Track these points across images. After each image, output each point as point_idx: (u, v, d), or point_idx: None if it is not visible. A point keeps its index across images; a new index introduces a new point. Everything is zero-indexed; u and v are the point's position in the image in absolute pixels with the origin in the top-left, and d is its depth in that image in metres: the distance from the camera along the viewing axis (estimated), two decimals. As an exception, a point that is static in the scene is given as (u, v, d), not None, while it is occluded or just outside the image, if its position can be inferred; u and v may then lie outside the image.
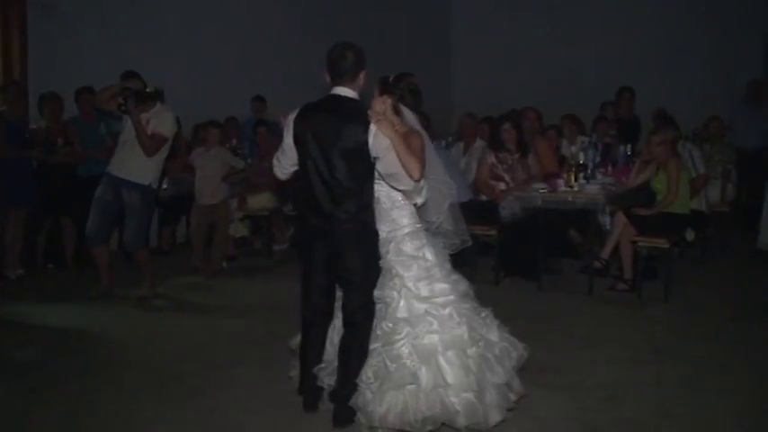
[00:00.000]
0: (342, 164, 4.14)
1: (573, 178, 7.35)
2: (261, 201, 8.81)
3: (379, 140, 4.07)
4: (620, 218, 7.22)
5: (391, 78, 4.43)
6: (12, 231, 7.77)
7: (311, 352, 4.50)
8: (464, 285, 4.36)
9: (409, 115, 4.39)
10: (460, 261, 7.55)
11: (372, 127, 4.07)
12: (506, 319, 6.27)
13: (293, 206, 8.88)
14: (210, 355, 5.64)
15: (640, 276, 7.14)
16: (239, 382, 5.07)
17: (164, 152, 6.96)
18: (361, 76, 4.27)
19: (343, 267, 4.28)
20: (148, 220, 7.19)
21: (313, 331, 4.50)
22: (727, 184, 9.19)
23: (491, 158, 7.87)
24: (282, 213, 9.09)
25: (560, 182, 7.43)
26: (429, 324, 4.12)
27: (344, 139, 4.12)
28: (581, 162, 7.49)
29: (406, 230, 4.28)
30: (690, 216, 7.40)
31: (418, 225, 4.34)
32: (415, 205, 4.34)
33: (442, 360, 4.09)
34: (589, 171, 7.61)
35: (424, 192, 4.23)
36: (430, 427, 4.07)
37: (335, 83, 4.26)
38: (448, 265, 4.36)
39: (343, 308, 4.35)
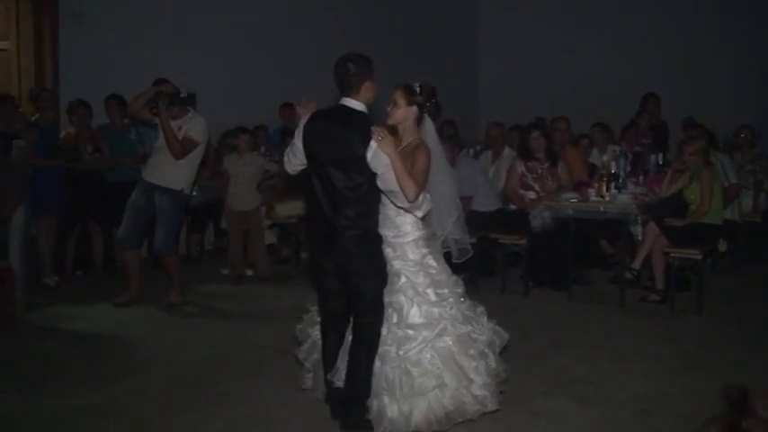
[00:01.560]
0: (340, 173, 4.20)
1: (604, 188, 7.26)
2: (289, 208, 8.79)
3: (379, 158, 4.10)
4: (652, 228, 7.12)
5: (417, 88, 4.41)
6: (45, 239, 7.80)
7: (329, 357, 4.52)
8: (461, 286, 4.50)
9: (430, 127, 4.46)
10: (488, 271, 7.58)
11: (373, 143, 4.10)
12: (536, 329, 6.32)
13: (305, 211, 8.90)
14: (238, 363, 5.63)
15: (672, 287, 7.03)
16: (267, 390, 5.06)
17: (197, 157, 7.02)
18: (366, 86, 4.28)
19: (349, 272, 4.31)
20: (178, 226, 7.20)
21: (329, 336, 4.53)
22: (760, 194, 9.06)
23: (520, 167, 7.82)
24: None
25: (591, 191, 7.35)
26: (443, 328, 4.27)
27: (343, 150, 4.19)
28: (612, 171, 7.40)
29: (410, 237, 4.36)
30: (722, 226, 7.30)
31: (421, 232, 4.41)
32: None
33: (460, 359, 4.27)
34: (620, 180, 7.51)
35: (424, 207, 4.25)
36: (455, 422, 4.28)
37: (342, 94, 4.33)
38: (447, 268, 4.50)
39: (353, 311, 4.39)
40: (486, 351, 4.42)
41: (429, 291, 4.33)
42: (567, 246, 7.32)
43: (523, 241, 7.51)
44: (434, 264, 4.41)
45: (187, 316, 6.94)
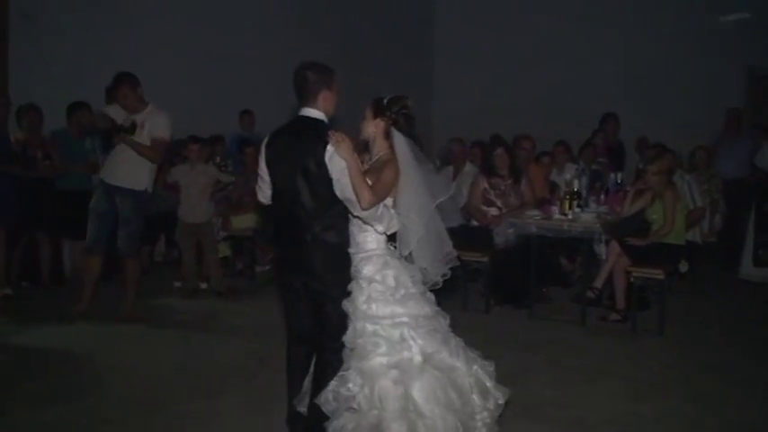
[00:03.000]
0: (304, 185, 4.06)
1: (567, 206, 7.23)
2: (244, 221, 8.60)
3: (335, 163, 3.97)
4: (615, 247, 7.10)
5: (385, 101, 4.26)
6: (-4, 249, 7.49)
7: (293, 379, 4.34)
8: (427, 310, 4.10)
9: (400, 141, 4.19)
10: (450, 288, 7.43)
11: (330, 148, 3.97)
12: (498, 348, 6.20)
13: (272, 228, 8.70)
14: (196, 382, 5.42)
15: (634, 307, 7.01)
16: (227, 411, 4.87)
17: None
18: (324, 95, 4.16)
19: (315, 291, 4.15)
20: (141, 227, 6.98)
21: (295, 358, 4.35)
22: (716, 215, 9.12)
23: (483, 183, 7.75)
24: (265, 234, 8.88)
25: (554, 209, 7.31)
26: (376, 345, 3.99)
27: (304, 160, 4.05)
28: (575, 189, 7.37)
29: (370, 254, 4.13)
30: (685, 247, 7.31)
31: (385, 251, 4.15)
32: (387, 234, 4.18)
33: (384, 383, 3.95)
34: (583, 199, 7.49)
35: (386, 221, 4.05)
36: None
37: (301, 104, 4.19)
38: (415, 291, 4.12)
39: (319, 333, 4.21)
40: (450, 389, 4.06)
41: (373, 305, 4.02)
42: (529, 263, 7.26)
43: (485, 258, 7.42)
44: (390, 282, 4.09)
45: (140, 331, 6.68)
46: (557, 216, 7.25)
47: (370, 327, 4.00)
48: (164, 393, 5.17)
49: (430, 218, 4.11)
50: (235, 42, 10.33)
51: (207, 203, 8.06)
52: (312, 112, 4.15)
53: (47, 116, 7.95)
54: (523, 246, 7.30)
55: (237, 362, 5.82)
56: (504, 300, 7.64)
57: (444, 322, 4.17)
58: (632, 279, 6.98)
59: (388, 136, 4.17)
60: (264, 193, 4.34)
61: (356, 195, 3.92)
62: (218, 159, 8.94)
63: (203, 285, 8.15)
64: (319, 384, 4.11)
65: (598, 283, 7.25)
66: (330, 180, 3.99)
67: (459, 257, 7.30)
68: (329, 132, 3.99)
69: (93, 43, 8.59)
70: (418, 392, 3.92)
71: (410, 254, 4.12)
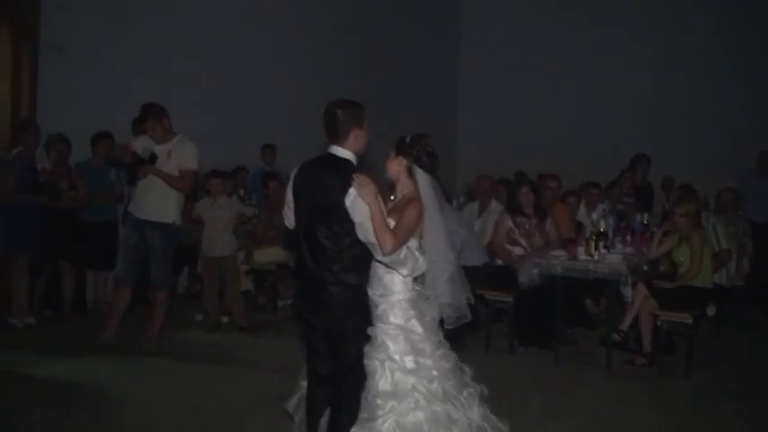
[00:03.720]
0: (322, 224, 4.05)
1: (593, 246, 7.14)
2: (268, 255, 8.56)
3: (358, 206, 3.94)
4: (641, 290, 6.99)
5: (408, 139, 4.23)
6: (18, 278, 7.47)
7: (312, 418, 4.27)
8: (451, 361, 4.13)
9: (423, 179, 4.19)
10: (473, 328, 7.35)
11: (352, 191, 3.94)
12: (521, 391, 6.11)
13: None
14: (215, 420, 5.36)
15: (661, 351, 6.88)
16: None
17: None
18: (354, 134, 4.14)
19: (333, 331, 4.12)
20: (172, 258, 7.02)
21: (314, 397, 4.29)
22: (744, 258, 8.98)
23: (508, 222, 7.68)
24: (288, 269, 8.84)
25: (580, 250, 7.22)
26: (415, 401, 3.95)
27: (324, 198, 4.05)
28: (601, 230, 7.28)
29: (396, 298, 4.07)
30: (712, 290, 7.19)
31: (411, 293, 4.11)
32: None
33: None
34: (609, 239, 7.40)
35: (410, 265, 4.00)
36: None
37: (331, 142, 4.18)
38: (435, 338, 4.12)
39: (336, 372, 4.16)
40: None
41: (407, 359, 4.01)
42: (554, 304, 7.17)
43: (510, 298, 7.33)
44: (419, 330, 4.07)
45: (162, 365, 6.62)
46: (582, 257, 7.17)
47: (406, 379, 3.98)
48: (180, 430, 5.10)
49: (453, 258, 4.10)
50: (256, 75, 10.39)
51: (230, 237, 8.04)
52: (340, 152, 4.13)
53: (74, 147, 7.98)
54: (548, 286, 7.21)
55: (257, 399, 5.73)
56: (529, 341, 7.51)
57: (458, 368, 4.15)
58: (659, 323, 6.87)
59: (411, 174, 4.15)
60: (290, 219, 4.34)
61: (377, 240, 3.89)
62: (241, 193, 8.94)
63: (225, 319, 8.09)
64: (336, 425, 4.06)
65: (624, 326, 7.12)
66: (350, 221, 3.96)
67: (482, 296, 7.30)
68: (354, 175, 3.96)
69: (120, 75, 8.65)
70: None
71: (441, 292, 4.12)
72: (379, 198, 3.98)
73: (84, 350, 6.78)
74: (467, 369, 4.24)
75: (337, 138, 4.13)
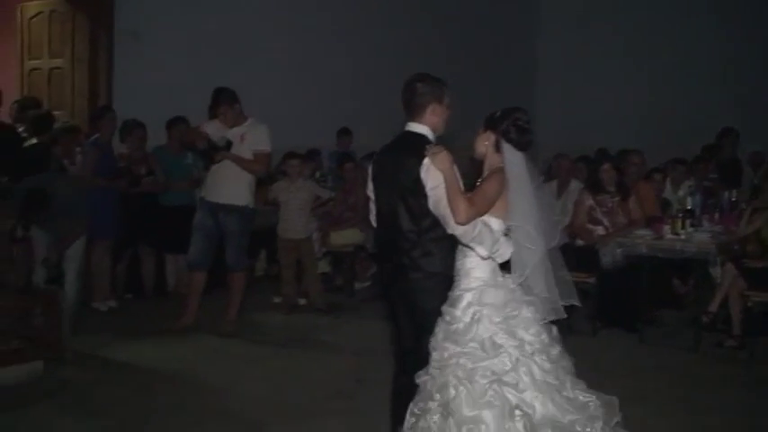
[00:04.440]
0: (402, 207, 3.89)
1: (680, 225, 6.87)
2: (344, 237, 8.51)
3: (431, 175, 3.78)
4: (730, 269, 6.69)
5: (498, 113, 4.02)
6: (99, 263, 7.58)
7: (397, 405, 4.09)
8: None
9: (512, 155, 3.88)
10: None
11: (426, 161, 3.77)
12: (605, 375, 5.89)
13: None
14: (294, 403, 5.31)
15: (751, 332, 6.59)
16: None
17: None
18: (432, 109, 3.97)
19: (413, 317, 3.99)
20: (247, 242, 7.04)
21: (400, 381, 4.13)
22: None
23: (589, 201, 7.44)
24: (365, 250, 8.78)
25: (666, 228, 6.96)
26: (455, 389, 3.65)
27: (403, 180, 3.88)
28: (688, 207, 7.00)
29: (467, 285, 3.80)
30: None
31: (492, 281, 3.80)
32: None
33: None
34: (696, 217, 7.11)
35: (488, 244, 3.72)
36: None
37: (408, 118, 4.03)
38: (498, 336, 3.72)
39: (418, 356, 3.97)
40: None
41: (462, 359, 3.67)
42: (639, 285, 6.94)
43: (592, 279, 7.12)
44: (487, 330, 3.68)
45: (239, 348, 6.64)
46: (668, 236, 6.91)
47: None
48: (260, 413, 5.09)
49: (542, 242, 3.76)
50: (334, 57, 10.33)
51: (306, 219, 8.01)
52: (417, 127, 3.98)
53: (150, 132, 8.04)
54: (632, 266, 6.98)
55: (335, 382, 5.70)
56: (613, 323, 7.28)
57: (521, 368, 3.71)
58: (749, 303, 6.57)
59: (498, 149, 3.91)
60: (373, 213, 4.21)
61: (451, 208, 3.68)
62: (317, 175, 8.91)
63: (302, 301, 8.08)
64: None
65: (713, 307, 6.84)
66: (425, 197, 3.81)
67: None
68: (428, 146, 3.81)
69: (195, 59, 8.70)
70: None
71: (526, 282, 3.79)
72: (455, 169, 3.78)
73: (164, 333, 6.83)
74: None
75: (414, 112, 3.98)
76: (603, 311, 7.25)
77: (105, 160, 7.60)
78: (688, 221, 6.95)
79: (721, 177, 9.25)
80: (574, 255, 7.22)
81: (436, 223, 3.83)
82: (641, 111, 12.60)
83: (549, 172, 9.25)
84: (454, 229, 3.72)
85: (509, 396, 3.58)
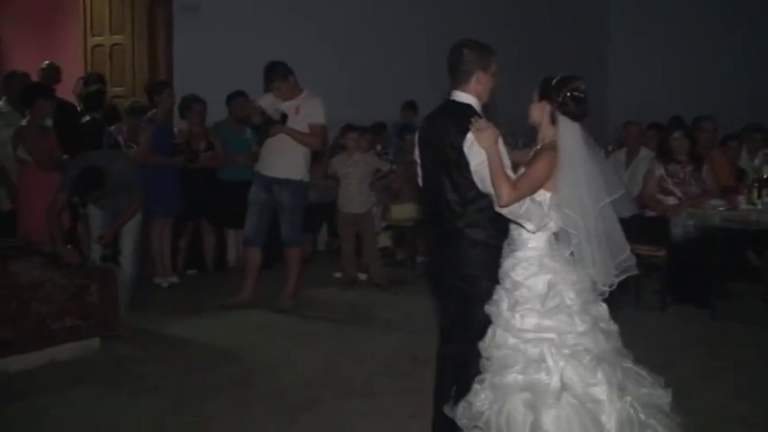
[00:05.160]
0: (445, 177, 3.75)
1: (756, 195, 6.51)
2: (405, 210, 8.35)
3: (474, 152, 3.62)
4: (810, 241, 6.34)
5: (554, 81, 3.77)
6: (159, 239, 7.58)
7: (441, 381, 3.97)
8: (585, 327, 3.51)
9: (567, 127, 3.64)
10: (622, 283, 6.87)
11: (470, 136, 3.61)
12: (675, 352, 5.65)
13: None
14: (346, 380, 5.20)
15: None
16: (375, 415, 4.61)
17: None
18: (478, 76, 3.77)
19: (460, 288, 3.82)
20: (302, 216, 6.93)
21: (444, 358, 3.99)
22: None
23: (660, 170, 7.11)
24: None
25: (740, 199, 6.61)
26: (513, 360, 3.51)
27: (444, 148, 3.74)
28: (765, 177, 6.62)
29: (524, 254, 3.64)
30: None
31: (545, 251, 3.63)
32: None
33: (514, 405, 3.45)
34: (774, 187, 6.73)
35: (536, 219, 3.56)
36: None
37: (453, 86, 3.84)
38: (572, 305, 3.54)
39: (463, 330, 3.85)
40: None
41: (516, 315, 3.54)
42: (712, 258, 6.60)
43: (662, 252, 6.81)
44: (539, 288, 3.57)
45: (296, 324, 6.56)
46: (743, 206, 6.55)
47: (511, 339, 3.55)
48: (312, 391, 4.98)
49: (598, 217, 3.53)
50: (395, 30, 10.11)
51: (366, 193, 7.87)
52: (462, 96, 3.80)
53: (210, 107, 7.97)
54: (705, 238, 6.65)
55: (390, 359, 5.56)
56: (683, 297, 6.97)
57: (604, 341, 3.56)
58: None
59: (554, 121, 3.69)
60: (419, 175, 4.07)
61: (494, 190, 3.54)
62: (378, 147, 8.76)
63: (362, 276, 7.96)
64: (458, 389, 3.75)
65: (791, 281, 6.50)
66: (468, 169, 3.65)
67: (632, 251, 6.76)
68: (472, 119, 3.62)
69: (253, 33, 8.62)
70: (550, 424, 3.38)
71: (577, 255, 3.59)
72: (501, 145, 3.62)
73: (223, 308, 6.79)
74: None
75: (459, 80, 3.80)
76: (673, 286, 6.95)
77: (163, 136, 7.56)
78: (764, 191, 6.56)
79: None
80: (643, 226, 6.96)
81: (481, 195, 3.68)
82: (715, 78, 12.08)
83: (619, 140, 8.94)
84: (499, 209, 3.59)
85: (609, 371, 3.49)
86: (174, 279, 7.69)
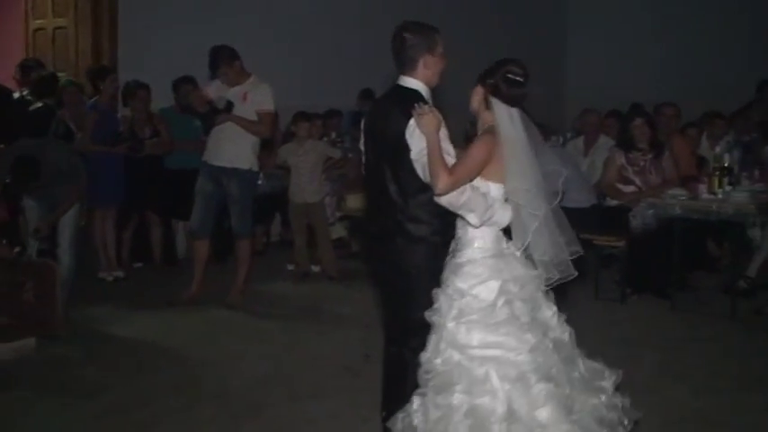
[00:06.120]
0: (387, 167, 3.53)
1: (717, 184, 6.39)
2: (360, 200, 8.07)
3: (416, 139, 3.40)
4: (772, 231, 6.24)
5: (491, 66, 3.56)
6: (102, 231, 7.30)
7: (386, 381, 3.80)
8: (535, 340, 3.29)
9: (502, 111, 3.43)
10: (580, 275, 6.73)
11: (412, 122, 3.38)
12: (635, 346, 5.51)
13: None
14: (296, 381, 4.96)
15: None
16: (324, 419, 4.40)
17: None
18: (425, 60, 3.54)
19: (398, 286, 3.64)
20: (251, 206, 6.69)
21: (389, 356, 3.79)
22: None
23: (620, 159, 6.96)
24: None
25: (702, 188, 6.48)
26: (457, 378, 3.29)
27: (387, 135, 3.52)
28: (726, 165, 6.50)
29: (468, 255, 3.42)
30: None
31: (493, 250, 3.42)
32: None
33: (459, 426, 3.23)
34: (734, 176, 6.61)
35: (480, 211, 3.33)
36: None
37: (399, 71, 3.62)
38: (520, 318, 3.33)
39: (401, 328, 3.66)
40: None
41: (461, 328, 3.31)
42: (672, 248, 6.48)
43: (621, 242, 6.67)
44: (489, 300, 3.33)
45: (245, 320, 6.30)
46: (704, 196, 6.43)
47: (456, 355, 3.32)
48: (260, 394, 4.75)
49: (544, 203, 3.35)
50: (347, 13, 9.86)
51: (318, 182, 7.62)
52: (408, 82, 3.58)
53: (155, 94, 7.66)
54: (664, 229, 6.52)
55: (342, 358, 5.34)
56: (642, 288, 6.85)
57: (554, 354, 3.33)
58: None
59: (488, 106, 3.48)
60: (364, 167, 3.86)
61: (431, 177, 3.31)
62: (333, 135, 8.52)
63: (315, 269, 7.74)
64: (397, 397, 3.57)
65: (751, 272, 6.41)
66: (410, 158, 3.43)
67: (591, 242, 6.63)
68: (415, 104, 3.39)
69: (200, 16, 8.29)
70: None
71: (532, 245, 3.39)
72: (444, 133, 3.42)
73: (170, 305, 6.52)
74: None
75: (405, 66, 3.58)
76: (633, 277, 6.81)
77: (106, 124, 7.26)
78: (726, 180, 6.46)
79: (762, 133, 8.70)
80: (603, 216, 6.84)
81: (424, 187, 3.45)
82: (675, 65, 11.99)
83: (577, 127, 8.81)
84: (438, 199, 3.36)
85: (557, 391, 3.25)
86: (120, 273, 7.40)
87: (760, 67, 10.10)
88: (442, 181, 3.27)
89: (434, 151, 3.31)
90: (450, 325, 3.33)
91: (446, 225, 3.51)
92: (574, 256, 3.45)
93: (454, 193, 3.31)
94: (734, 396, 4.71)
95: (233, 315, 6.39)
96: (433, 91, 3.67)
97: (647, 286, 6.86)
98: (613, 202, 7.02)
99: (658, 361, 5.31)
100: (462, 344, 3.30)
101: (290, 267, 7.80)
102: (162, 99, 7.81)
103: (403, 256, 3.56)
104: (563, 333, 3.46)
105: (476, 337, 3.29)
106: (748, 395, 4.72)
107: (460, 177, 3.31)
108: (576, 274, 3.44)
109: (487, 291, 3.35)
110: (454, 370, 3.30)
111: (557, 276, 3.40)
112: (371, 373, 4.73)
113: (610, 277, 6.96)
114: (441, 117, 3.40)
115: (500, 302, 3.33)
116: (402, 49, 3.56)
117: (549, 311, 3.46)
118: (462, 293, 3.36)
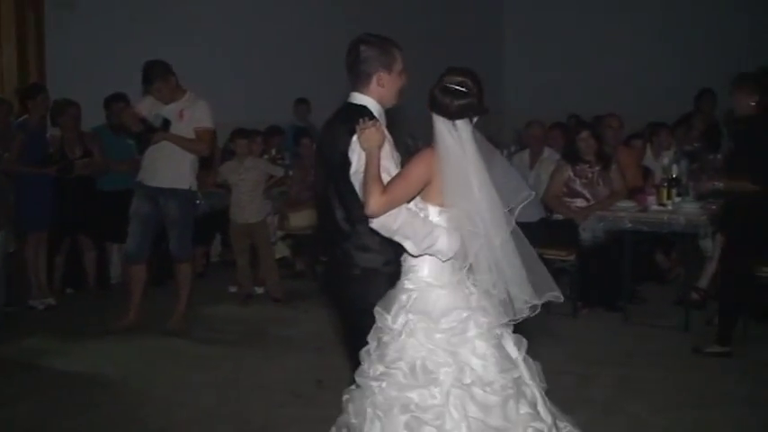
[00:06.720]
0: (333, 191, 3.28)
1: (666, 195, 6.34)
2: (303, 218, 7.86)
3: (356, 155, 3.14)
4: (723, 241, 6.18)
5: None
6: (33, 257, 6.94)
7: None
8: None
9: (440, 124, 3.06)
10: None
11: (355, 138, 3.12)
12: (593, 363, 5.39)
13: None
14: (245, 412, 4.72)
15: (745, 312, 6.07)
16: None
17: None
18: (379, 77, 3.28)
19: (347, 317, 3.44)
20: (191, 228, 6.40)
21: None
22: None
23: (567, 171, 6.87)
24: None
25: (650, 199, 6.43)
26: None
27: (334, 157, 3.25)
28: (674, 176, 6.46)
29: (415, 286, 3.08)
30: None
31: (447, 283, 3.07)
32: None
33: None
34: (682, 186, 6.59)
35: (420, 239, 2.99)
36: None
37: (352, 87, 3.36)
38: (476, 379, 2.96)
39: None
40: None
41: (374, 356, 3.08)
42: (622, 261, 6.43)
43: (571, 256, 6.58)
44: (396, 326, 3.03)
45: (188, 347, 6.01)
46: (654, 207, 6.38)
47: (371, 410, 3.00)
48: (207, 427, 4.51)
49: (501, 229, 2.98)
50: (285, 26, 9.65)
51: (260, 201, 7.37)
52: (359, 98, 3.32)
53: (86, 112, 7.33)
54: (614, 242, 6.47)
55: (292, 384, 5.10)
56: (594, 302, 6.78)
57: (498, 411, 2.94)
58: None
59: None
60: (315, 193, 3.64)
61: (364, 195, 3.02)
62: (273, 152, 8.28)
63: (259, 290, 7.49)
64: None
65: (703, 284, 6.36)
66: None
67: (541, 256, 6.45)
68: (360, 120, 3.11)
69: (133, 32, 7.98)
70: None
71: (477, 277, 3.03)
72: (387, 150, 3.12)
73: (106, 333, 6.20)
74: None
75: (358, 80, 3.31)
76: (584, 291, 6.74)
77: (35, 144, 6.91)
78: (674, 191, 6.41)
79: (704, 142, 8.74)
80: (552, 230, 6.74)
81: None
82: (614, 76, 12.04)
83: (520, 141, 8.72)
84: (370, 222, 3.04)
85: None
86: (51, 300, 7.03)
87: (694, 78, 10.18)
88: (373, 199, 2.96)
89: (371, 168, 3.01)
90: (374, 385, 3.02)
91: (399, 254, 3.18)
92: (544, 300, 3.14)
93: (387, 218, 2.99)
94: (696, 414, 4.61)
95: (174, 342, 6.09)
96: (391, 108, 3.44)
97: (597, 299, 6.78)
98: (561, 216, 6.91)
99: (615, 377, 5.21)
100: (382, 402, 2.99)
101: (233, 289, 7.53)
102: (93, 118, 7.49)
103: (356, 290, 3.28)
104: (489, 389, 2.99)
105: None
106: (709, 412, 4.64)
107: (395, 197, 2.99)
108: (526, 314, 3.10)
109: (396, 321, 3.04)
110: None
111: (521, 309, 3.06)
112: (326, 400, 4.51)
113: (560, 291, 6.84)
114: (386, 133, 3.14)
115: (404, 334, 3.02)
116: (356, 62, 3.30)
117: (479, 358, 3.01)
118: (386, 328, 3.06)
